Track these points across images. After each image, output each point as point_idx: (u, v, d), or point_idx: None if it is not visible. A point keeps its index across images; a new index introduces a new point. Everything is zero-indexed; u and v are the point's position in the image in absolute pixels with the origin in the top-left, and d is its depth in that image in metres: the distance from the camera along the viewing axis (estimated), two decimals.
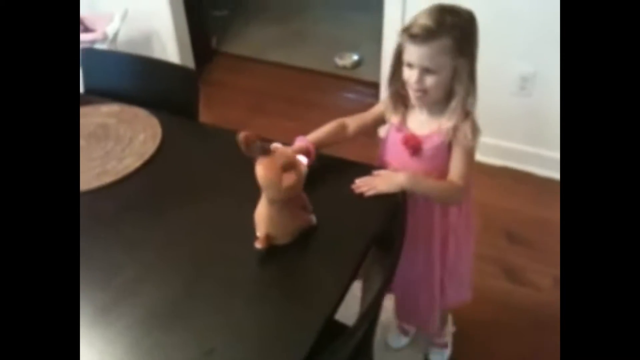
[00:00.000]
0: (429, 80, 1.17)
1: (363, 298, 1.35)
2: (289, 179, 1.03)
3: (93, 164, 1.36)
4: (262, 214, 1.10)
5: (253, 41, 3.63)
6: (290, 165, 1.04)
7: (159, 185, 1.33)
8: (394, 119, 1.31)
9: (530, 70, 2.23)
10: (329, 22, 3.86)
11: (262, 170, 1.04)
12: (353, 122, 1.35)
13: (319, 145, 1.27)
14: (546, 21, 2.08)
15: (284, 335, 0.97)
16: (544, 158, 2.37)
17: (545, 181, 2.37)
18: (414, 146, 1.27)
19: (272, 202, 1.08)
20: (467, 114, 1.22)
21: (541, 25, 2.12)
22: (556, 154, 2.30)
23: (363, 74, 3.23)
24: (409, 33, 1.15)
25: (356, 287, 1.09)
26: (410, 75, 1.19)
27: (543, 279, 1.95)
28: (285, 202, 1.08)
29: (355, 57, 3.33)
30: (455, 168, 1.24)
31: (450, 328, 1.76)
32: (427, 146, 1.26)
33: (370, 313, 1.04)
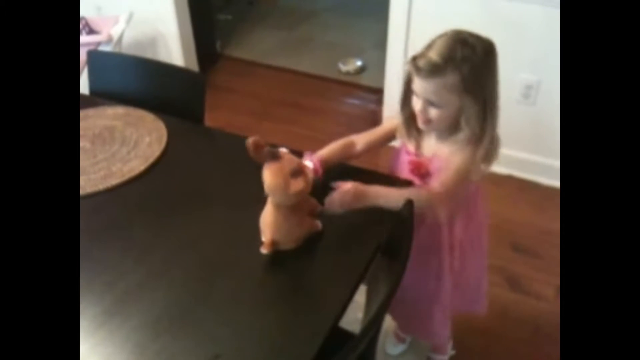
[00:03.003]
0: (433, 113, 1.17)
1: (367, 305, 1.34)
2: (297, 185, 1.03)
3: (98, 166, 1.36)
4: (267, 219, 1.09)
5: (257, 46, 3.64)
6: (298, 171, 1.04)
7: (164, 188, 1.32)
8: (408, 144, 1.30)
9: (534, 79, 2.23)
10: (334, 28, 3.87)
11: (270, 175, 1.03)
12: (361, 140, 1.34)
13: (326, 162, 1.26)
14: (550, 31, 2.09)
15: (289, 343, 0.97)
16: (548, 167, 2.36)
17: (551, 190, 2.36)
18: (421, 174, 1.27)
19: (278, 207, 1.08)
20: (474, 142, 1.19)
21: (545, 35, 2.12)
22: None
23: (367, 80, 3.23)
24: (415, 65, 1.13)
25: (357, 293, 1.09)
26: (415, 103, 1.19)
27: (546, 289, 1.94)
28: (291, 208, 1.08)
29: (359, 63, 3.34)
30: (441, 176, 1.21)
31: (450, 349, 1.75)
32: (432, 168, 1.25)
33: (377, 322, 1.03)
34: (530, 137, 2.38)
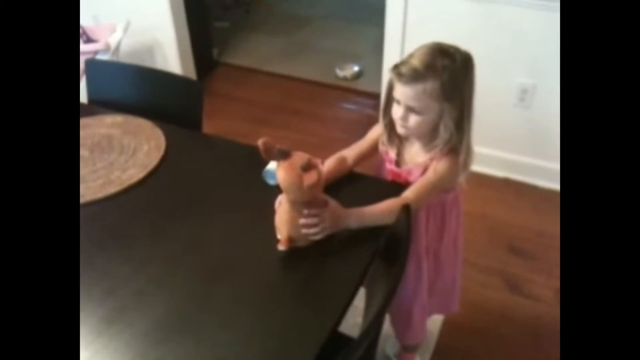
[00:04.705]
0: (413, 119, 1.19)
1: (366, 309, 1.35)
2: (310, 178, 1.05)
3: (97, 174, 1.37)
4: (283, 216, 1.12)
5: (254, 52, 3.65)
6: (309, 165, 1.06)
7: (163, 196, 1.33)
8: (389, 152, 1.32)
9: (530, 82, 2.25)
10: (331, 34, 3.89)
11: (283, 172, 1.06)
12: (351, 153, 1.36)
13: (325, 181, 1.23)
14: (546, 35, 2.11)
15: (289, 347, 0.97)
16: (544, 169, 2.38)
17: (547, 192, 2.38)
18: (399, 183, 1.29)
19: (293, 204, 1.10)
20: (451, 151, 1.22)
21: (541, 39, 2.13)
22: (556, 166, 2.31)
23: (363, 85, 3.25)
24: (397, 71, 1.16)
25: (356, 297, 1.10)
26: (396, 110, 1.22)
27: (544, 291, 1.95)
28: (306, 205, 1.09)
29: (356, 68, 3.35)
30: (413, 186, 1.24)
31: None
32: (412, 178, 1.28)
33: (375, 325, 1.04)
34: (526, 140, 2.40)
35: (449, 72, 1.14)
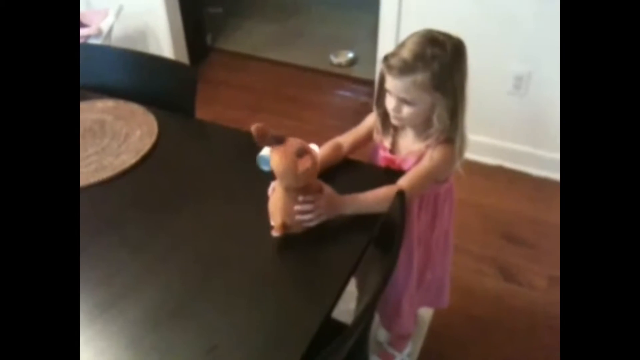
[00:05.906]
0: (406, 110, 1.19)
1: (359, 296, 1.35)
2: (304, 163, 1.04)
3: (89, 160, 1.35)
4: (277, 203, 1.11)
5: (248, 38, 3.62)
6: (303, 151, 1.05)
7: (156, 182, 1.32)
8: (384, 140, 1.32)
9: (525, 69, 2.24)
10: (325, 20, 3.86)
11: (277, 158, 1.05)
12: (347, 140, 1.35)
13: (320, 166, 1.23)
14: (541, 22, 2.10)
15: (284, 333, 0.97)
16: (539, 158, 2.38)
17: (541, 181, 2.38)
18: (394, 171, 1.29)
19: (287, 190, 1.09)
20: (447, 140, 1.21)
21: (536, 26, 2.13)
22: (551, 154, 2.32)
23: (358, 71, 3.23)
24: (387, 63, 1.16)
25: (349, 284, 1.10)
26: (389, 102, 1.21)
27: (538, 279, 1.96)
28: (300, 191, 1.09)
29: (351, 55, 3.33)
30: (408, 173, 1.23)
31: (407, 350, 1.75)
32: (406, 166, 1.28)
33: (369, 312, 1.04)
34: (520, 127, 2.39)
35: (439, 62, 1.13)
